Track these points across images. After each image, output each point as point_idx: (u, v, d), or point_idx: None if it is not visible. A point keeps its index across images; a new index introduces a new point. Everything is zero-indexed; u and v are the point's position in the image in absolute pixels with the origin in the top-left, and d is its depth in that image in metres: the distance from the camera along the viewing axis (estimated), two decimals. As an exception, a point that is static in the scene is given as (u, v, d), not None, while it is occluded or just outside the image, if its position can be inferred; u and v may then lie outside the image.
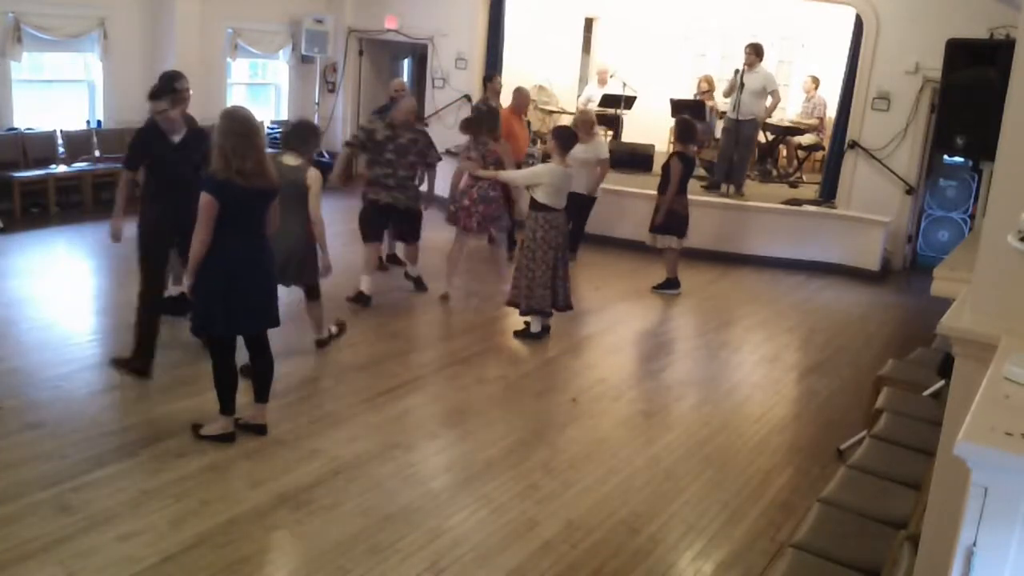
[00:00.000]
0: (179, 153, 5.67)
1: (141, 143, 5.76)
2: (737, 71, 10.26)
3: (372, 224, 7.56)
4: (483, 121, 7.73)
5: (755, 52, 10.15)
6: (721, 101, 12.08)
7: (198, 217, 4.43)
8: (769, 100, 10.47)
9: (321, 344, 6.31)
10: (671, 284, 8.52)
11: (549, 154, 7.13)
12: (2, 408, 4.97)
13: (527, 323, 6.93)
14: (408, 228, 7.77)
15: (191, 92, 6.57)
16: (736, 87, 10.19)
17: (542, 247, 6.71)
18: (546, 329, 6.97)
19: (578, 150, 8.77)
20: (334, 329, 6.48)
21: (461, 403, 5.68)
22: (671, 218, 8.25)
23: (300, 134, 6.03)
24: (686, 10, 13.78)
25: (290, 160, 5.78)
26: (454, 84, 12.27)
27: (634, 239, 9.25)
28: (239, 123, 4.44)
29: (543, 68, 13.45)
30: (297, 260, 5.91)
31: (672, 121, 11.17)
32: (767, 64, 10.67)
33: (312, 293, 6.24)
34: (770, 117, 11.83)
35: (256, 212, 4.58)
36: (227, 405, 4.79)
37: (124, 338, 6.29)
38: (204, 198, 4.40)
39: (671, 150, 9.73)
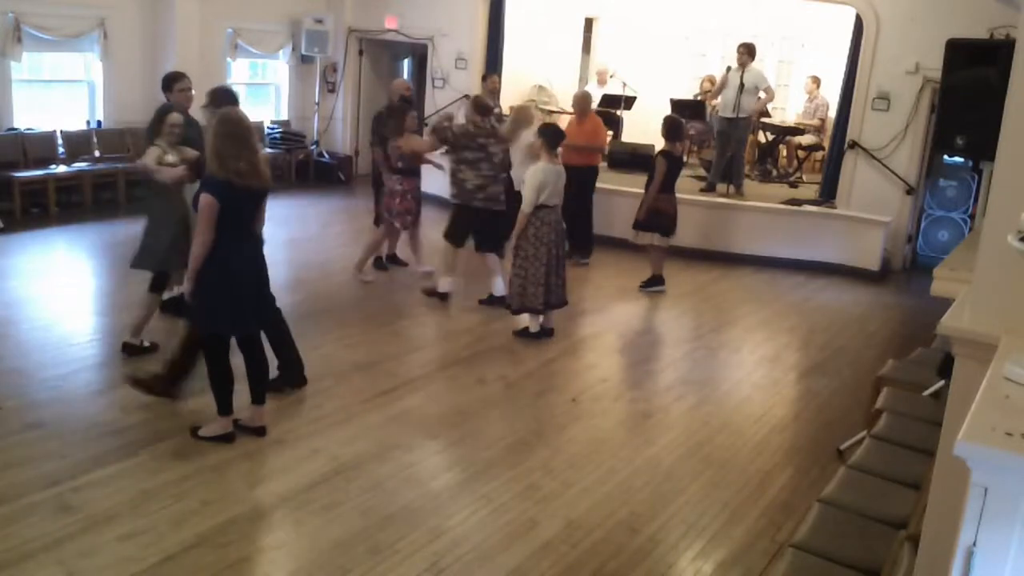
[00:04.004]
0: None
1: None
2: (729, 68, 10.25)
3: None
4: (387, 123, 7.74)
5: (747, 52, 10.15)
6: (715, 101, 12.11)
7: (199, 218, 4.47)
8: (763, 95, 10.45)
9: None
10: (655, 281, 8.53)
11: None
12: (2, 408, 4.98)
13: (529, 327, 6.93)
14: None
15: (193, 92, 6.63)
16: (728, 86, 10.20)
17: (534, 244, 6.68)
18: (548, 331, 6.96)
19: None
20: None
21: (461, 403, 5.68)
22: (654, 216, 8.25)
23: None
24: (686, 10, 13.77)
25: None
26: (454, 84, 12.27)
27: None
28: (233, 124, 4.49)
29: (543, 68, 13.45)
30: None
31: (672, 122, 11.17)
32: (766, 64, 10.67)
33: None
34: (766, 115, 11.83)
35: (247, 213, 4.62)
36: (225, 406, 4.79)
37: (124, 338, 6.30)
38: (205, 199, 4.43)
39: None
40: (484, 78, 10.78)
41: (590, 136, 9.07)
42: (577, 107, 9.22)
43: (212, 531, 3.97)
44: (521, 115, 7.68)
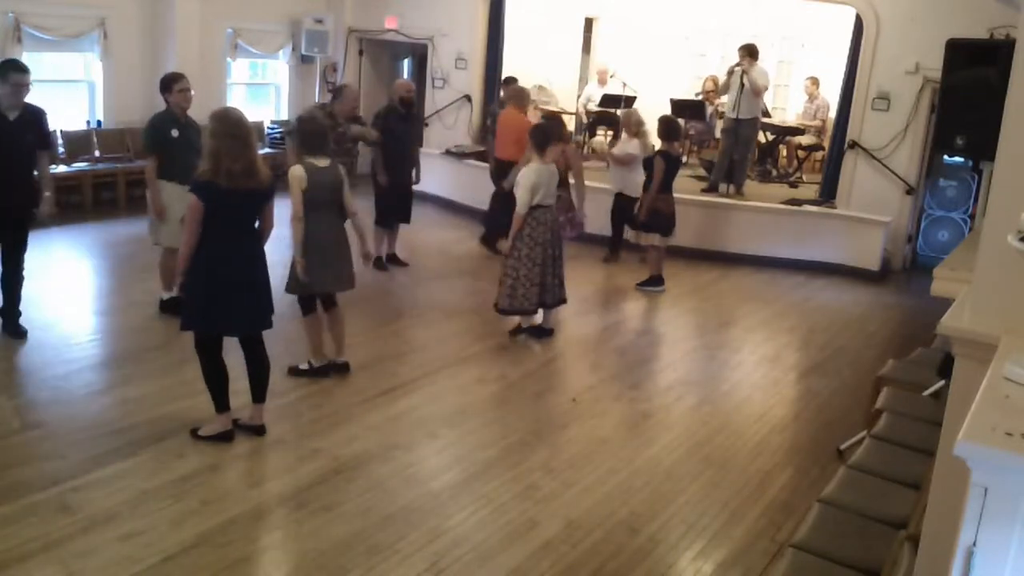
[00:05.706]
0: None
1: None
2: (738, 64, 10.19)
3: None
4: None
5: (748, 53, 10.13)
6: (720, 100, 12.09)
7: (186, 218, 4.55)
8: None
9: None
10: (654, 281, 8.53)
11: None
12: (2, 408, 4.97)
13: (520, 324, 6.93)
14: None
15: (192, 92, 6.66)
16: (733, 86, 10.19)
17: (528, 244, 6.65)
18: (548, 331, 6.96)
19: (631, 147, 8.90)
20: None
21: (461, 403, 5.68)
22: (654, 216, 8.26)
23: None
24: (686, 10, 13.77)
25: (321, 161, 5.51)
26: (454, 84, 12.27)
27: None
28: (231, 125, 4.49)
29: (543, 68, 13.45)
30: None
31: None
32: (766, 64, 10.65)
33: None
34: (766, 115, 11.81)
35: (244, 214, 4.61)
36: (221, 404, 4.80)
37: (124, 338, 6.32)
38: (191, 200, 4.49)
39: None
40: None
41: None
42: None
43: (212, 531, 3.97)
44: None
